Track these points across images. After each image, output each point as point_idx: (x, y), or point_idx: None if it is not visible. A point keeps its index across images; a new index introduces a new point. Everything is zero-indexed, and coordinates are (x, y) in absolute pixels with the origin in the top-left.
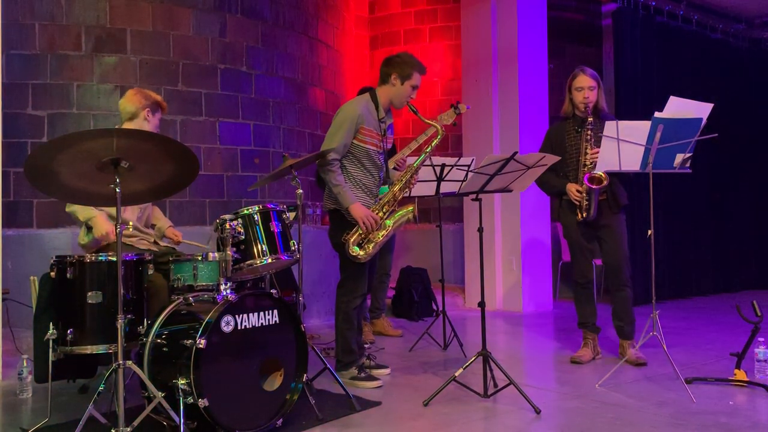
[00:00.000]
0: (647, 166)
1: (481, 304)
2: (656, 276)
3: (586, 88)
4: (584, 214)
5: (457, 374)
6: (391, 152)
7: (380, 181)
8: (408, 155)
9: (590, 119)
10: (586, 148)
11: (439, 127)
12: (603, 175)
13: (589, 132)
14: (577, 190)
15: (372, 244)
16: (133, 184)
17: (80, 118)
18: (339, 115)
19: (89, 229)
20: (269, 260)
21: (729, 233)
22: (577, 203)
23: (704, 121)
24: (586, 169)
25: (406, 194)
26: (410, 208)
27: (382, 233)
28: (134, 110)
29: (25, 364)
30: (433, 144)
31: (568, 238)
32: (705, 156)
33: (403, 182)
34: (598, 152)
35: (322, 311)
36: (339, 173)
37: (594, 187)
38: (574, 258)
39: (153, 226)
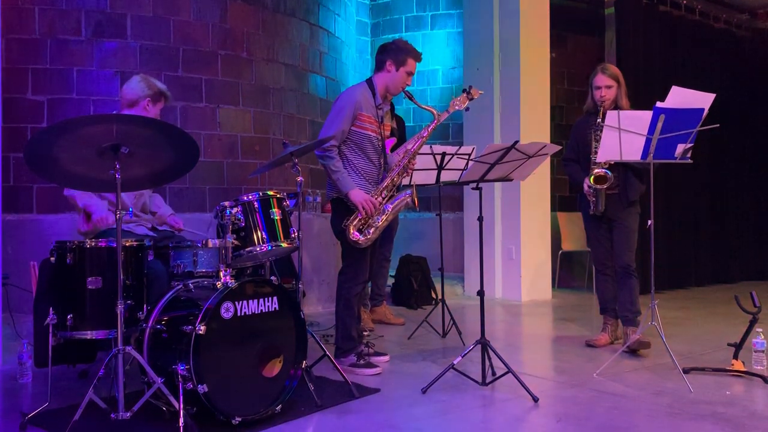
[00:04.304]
0: (648, 155)
1: (480, 293)
2: (655, 266)
3: (603, 87)
4: (593, 209)
5: (455, 362)
6: (402, 140)
7: (381, 167)
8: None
9: (599, 120)
10: (595, 148)
11: (435, 112)
12: (607, 175)
13: (598, 132)
14: (588, 186)
15: (372, 229)
16: (133, 170)
17: (80, 103)
18: (337, 102)
19: (88, 216)
20: (269, 247)
21: (729, 224)
22: (588, 198)
23: (706, 112)
24: (595, 167)
25: (406, 180)
26: (409, 191)
27: (382, 218)
28: (134, 98)
29: (25, 349)
30: (430, 129)
31: (585, 228)
32: (706, 146)
33: (402, 167)
34: None
35: (322, 298)
36: (337, 159)
37: (597, 186)
38: (590, 246)
39: (153, 214)
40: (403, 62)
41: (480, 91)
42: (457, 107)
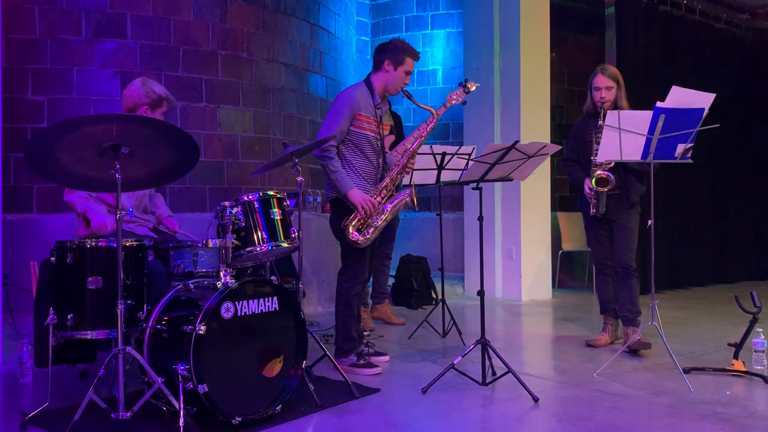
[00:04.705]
0: (648, 155)
1: (481, 293)
2: (655, 266)
3: (603, 88)
4: (593, 210)
5: (455, 362)
6: (399, 140)
7: (380, 168)
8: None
9: (600, 122)
10: (596, 149)
11: (434, 111)
12: (609, 177)
13: (599, 134)
14: (589, 188)
15: (371, 229)
16: (134, 170)
17: (80, 103)
18: (335, 102)
19: (87, 221)
20: (269, 247)
21: (729, 224)
22: (588, 199)
23: (706, 112)
24: (596, 169)
25: (406, 180)
26: (408, 191)
27: (381, 218)
28: (133, 105)
29: (25, 349)
30: (429, 129)
31: (585, 229)
32: (706, 146)
33: (401, 167)
34: None
35: (322, 298)
36: (336, 159)
37: (598, 189)
38: (590, 246)
39: (153, 213)
40: (401, 61)
41: (476, 84)
42: (454, 101)
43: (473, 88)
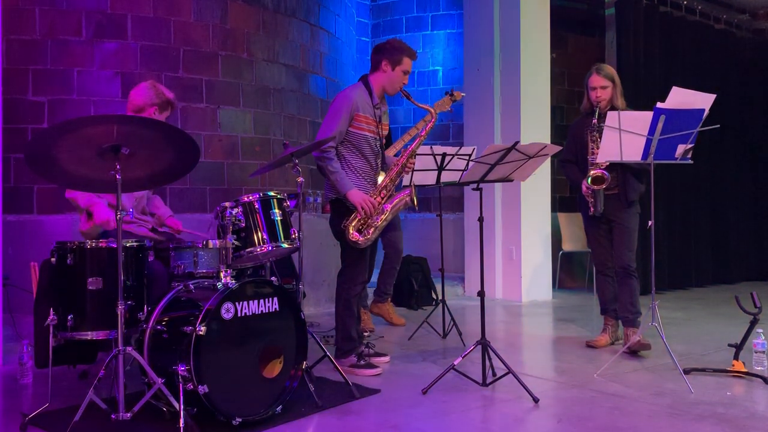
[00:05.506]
0: (649, 156)
1: (481, 294)
2: (655, 267)
3: (598, 87)
4: (591, 210)
5: (456, 363)
6: (387, 141)
7: (378, 167)
8: (407, 140)
9: (594, 121)
10: (592, 149)
11: (432, 111)
12: (604, 175)
13: (594, 133)
14: (586, 187)
15: (372, 229)
16: (134, 171)
17: (80, 104)
18: (334, 103)
19: (89, 215)
20: (269, 248)
21: (729, 224)
22: (586, 198)
23: (706, 112)
24: (592, 168)
25: (406, 180)
26: (408, 191)
27: (381, 218)
28: (141, 105)
29: (25, 350)
30: (428, 128)
31: (585, 229)
32: (706, 147)
33: (401, 166)
34: None
35: (322, 299)
36: (335, 160)
37: (594, 187)
38: (591, 248)
39: (152, 215)
40: (399, 61)
41: (462, 93)
42: (440, 109)
43: (459, 98)
